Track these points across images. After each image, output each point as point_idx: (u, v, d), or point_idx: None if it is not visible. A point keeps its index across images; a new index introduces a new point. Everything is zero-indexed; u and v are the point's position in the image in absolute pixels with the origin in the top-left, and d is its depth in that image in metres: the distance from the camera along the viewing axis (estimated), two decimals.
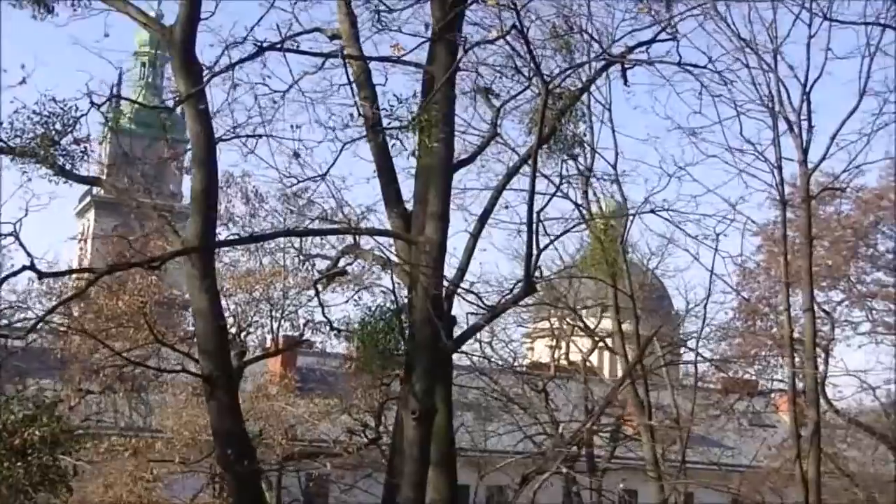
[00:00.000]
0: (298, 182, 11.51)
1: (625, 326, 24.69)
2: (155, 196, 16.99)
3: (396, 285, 11.60)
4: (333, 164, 10.90)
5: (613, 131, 19.23)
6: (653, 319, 33.50)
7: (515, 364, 26.33)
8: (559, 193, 18.20)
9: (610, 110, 19.05)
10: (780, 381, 25.18)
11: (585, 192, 19.10)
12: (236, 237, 14.98)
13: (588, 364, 27.22)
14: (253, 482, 10.18)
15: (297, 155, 10.86)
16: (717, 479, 27.51)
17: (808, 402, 17.47)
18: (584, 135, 18.87)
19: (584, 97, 18.76)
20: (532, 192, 10.33)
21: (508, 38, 11.93)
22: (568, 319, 28.03)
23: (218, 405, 10.21)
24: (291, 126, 11.02)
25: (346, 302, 15.78)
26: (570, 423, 26.64)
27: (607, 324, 26.83)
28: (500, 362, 25.53)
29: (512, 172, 12.07)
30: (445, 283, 11.19)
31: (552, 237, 13.37)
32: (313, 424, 19.44)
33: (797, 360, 19.91)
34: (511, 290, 10.71)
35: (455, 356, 24.49)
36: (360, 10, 12.35)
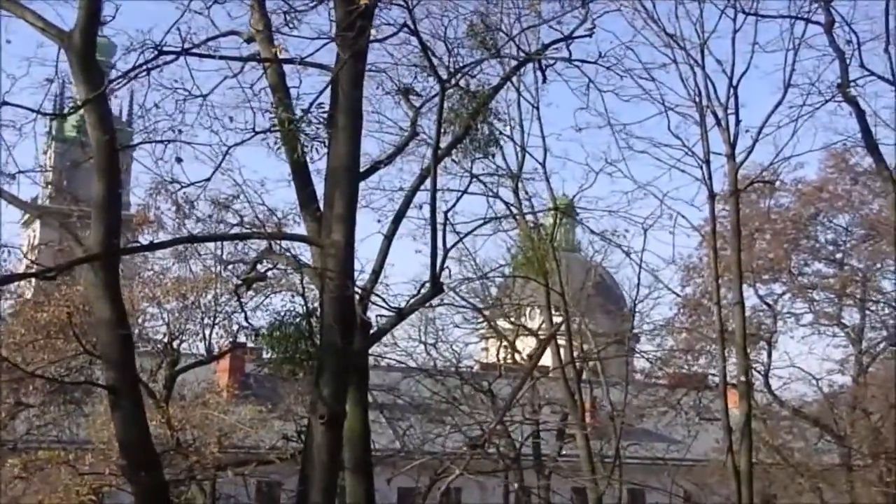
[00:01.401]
0: (182, 187, 11.36)
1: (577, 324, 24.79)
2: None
3: (309, 289, 11.52)
4: (217, 168, 10.75)
5: (542, 130, 19.26)
6: (601, 316, 33.76)
7: (461, 365, 26.24)
8: (490, 193, 18.31)
9: (538, 108, 19.05)
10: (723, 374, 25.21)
11: (516, 191, 19.13)
12: (138, 244, 14.79)
13: (533, 362, 27.18)
14: (159, 493, 10.04)
15: (179, 160, 10.72)
16: (673, 474, 27.61)
17: (740, 395, 17.54)
18: (512, 134, 18.96)
19: (514, 96, 18.90)
20: (434, 192, 10.31)
21: (424, 37, 11.92)
22: (512, 319, 28.04)
23: (122, 415, 10.06)
24: (216, 131, 10.89)
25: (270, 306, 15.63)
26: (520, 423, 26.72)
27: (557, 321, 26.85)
28: (445, 364, 25.48)
29: (425, 174, 12.02)
30: (359, 286, 11.14)
31: (461, 235, 13.33)
32: (246, 432, 19.25)
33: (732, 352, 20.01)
34: (419, 291, 10.64)
35: (403, 359, 24.60)
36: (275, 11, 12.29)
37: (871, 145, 12.28)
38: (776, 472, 30.40)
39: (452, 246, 11.50)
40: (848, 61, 12.13)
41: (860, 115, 12.14)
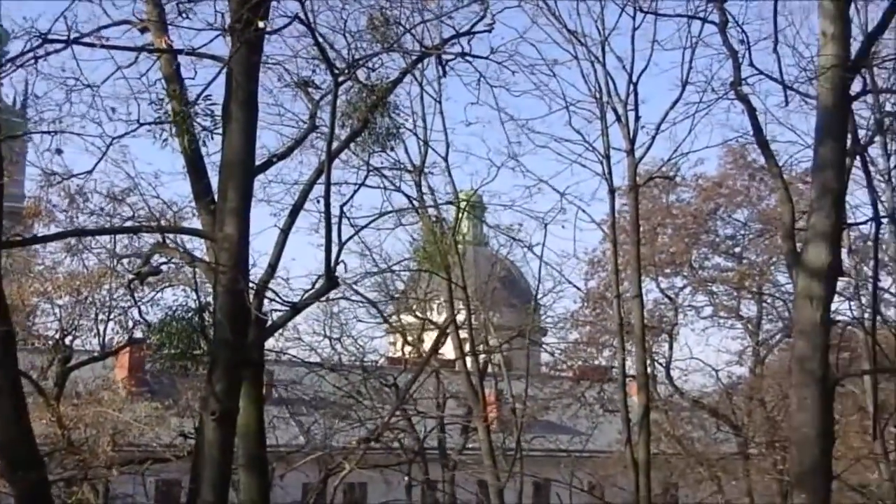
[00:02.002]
0: (63, 179, 11.12)
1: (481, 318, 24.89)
2: None
3: (204, 283, 11.37)
4: (101, 160, 10.56)
5: (444, 124, 19.30)
6: (507, 310, 33.94)
7: (366, 360, 26.15)
8: (392, 187, 18.29)
9: (440, 102, 19.07)
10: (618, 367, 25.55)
11: (419, 185, 19.15)
12: (21, 237, 14.40)
13: (440, 356, 27.20)
14: (39, 493, 9.80)
15: (59, 151, 10.50)
16: (572, 466, 27.92)
17: (639, 387, 17.81)
18: (415, 128, 18.95)
19: (416, 90, 18.88)
20: (328, 185, 10.25)
21: (323, 30, 11.84)
22: (417, 313, 28.05)
23: (2, 415, 9.78)
24: (99, 122, 10.66)
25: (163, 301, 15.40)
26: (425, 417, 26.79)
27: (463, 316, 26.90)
28: (350, 358, 25.40)
29: (322, 167, 11.93)
30: (255, 280, 11.03)
31: (357, 228, 13.29)
32: (142, 430, 18.92)
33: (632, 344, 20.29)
34: (313, 286, 10.57)
35: (305, 353, 24.42)
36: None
37: (762, 142, 12.53)
38: (677, 462, 30.97)
39: (348, 239, 11.46)
40: (741, 60, 12.33)
41: (751, 112, 12.36)
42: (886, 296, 26.16)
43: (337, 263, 10.31)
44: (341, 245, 10.40)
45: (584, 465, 28.94)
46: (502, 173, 19.41)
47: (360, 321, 24.43)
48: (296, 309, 10.77)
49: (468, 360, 20.78)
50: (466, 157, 21.63)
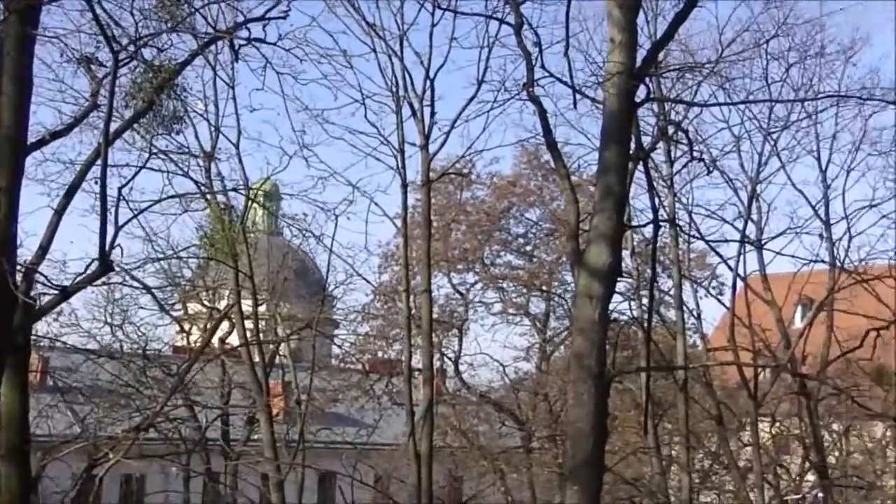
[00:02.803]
0: None
1: (261, 308, 24.48)
2: None
3: None
4: None
5: (236, 110, 18.86)
6: (300, 301, 33.61)
7: (149, 348, 25.30)
8: (180, 172, 17.72)
9: (233, 88, 18.63)
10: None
11: (208, 171, 18.68)
12: None
13: (227, 345, 26.64)
14: None
15: None
16: (359, 458, 27.88)
17: (425, 380, 17.94)
18: (206, 112, 18.46)
19: (209, 75, 18.38)
20: (104, 166, 9.80)
21: (110, 6, 11.30)
22: (205, 301, 27.42)
23: None
24: None
25: None
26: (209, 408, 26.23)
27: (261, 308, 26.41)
28: (132, 346, 24.51)
29: (100, 148, 11.40)
30: (24, 262, 10.45)
31: (136, 212, 12.81)
32: None
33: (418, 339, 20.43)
34: (86, 270, 10.10)
35: (84, 340, 23.38)
36: None
37: (551, 143, 12.76)
38: (461, 455, 31.46)
39: (126, 223, 10.96)
40: (534, 62, 12.51)
41: (542, 113, 12.57)
42: (665, 298, 27.36)
43: (112, 247, 9.86)
44: (118, 228, 9.96)
45: (370, 457, 29.00)
46: (295, 163, 19.12)
47: (142, 308, 23.59)
48: (66, 293, 10.28)
49: (253, 349, 20.43)
50: (258, 144, 21.21)
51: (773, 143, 22.60)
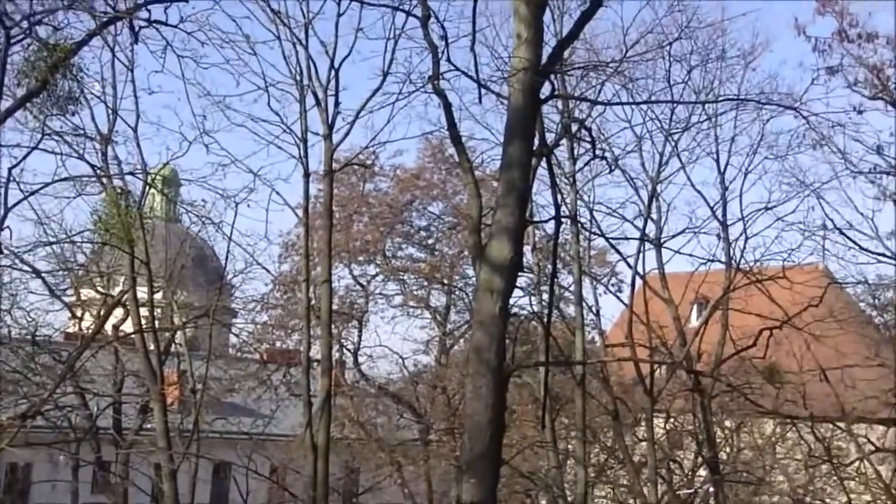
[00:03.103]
0: None
1: (158, 296, 24.04)
2: None
3: None
4: None
5: (135, 92, 18.41)
6: (197, 289, 33.14)
7: (37, 333, 24.61)
8: (75, 154, 17.27)
9: (132, 70, 18.18)
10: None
11: (105, 154, 18.22)
12: None
13: (121, 333, 26.08)
14: None
15: None
16: (255, 449, 27.59)
17: (323, 371, 17.79)
18: (104, 94, 18.02)
19: (107, 56, 17.90)
20: None
21: None
22: (99, 287, 26.78)
23: None
24: None
25: None
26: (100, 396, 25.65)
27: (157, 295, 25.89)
28: (21, 332, 23.83)
29: None
30: None
31: (26, 193, 12.43)
32: None
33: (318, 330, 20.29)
34: None
35: None
36: None
37: (455, 137, 12.71)
38: (359, 447, 31.39)
39: (15, 204, 10.66)
40: (440, 55, 12.46)
41: (447, 107, 12.52)
42: (565, 293, 27.63)
43: (1, 229, 9.57)
44: (7, 210, 9.67)
45: (266, 448, 28.72)
46: (196, 149, 18.76)
47: (32, 293, 22.91)
48: None
49: (147, 337, 20.02)
50: (158, 128, 20.84)
51: (673, 143, 22.94)
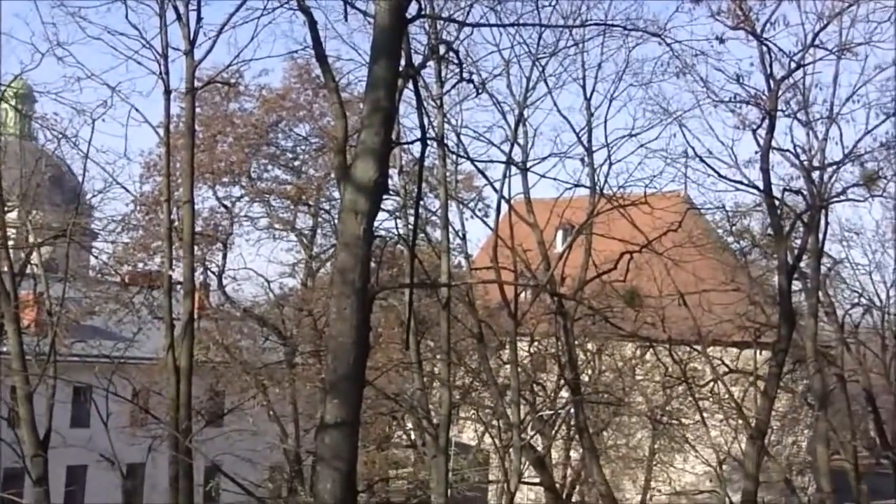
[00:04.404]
0: None
1: (12, 215, 23.15)
2: None
3: None
4: None
5: None
6: (54, 209, 32.07)
7: None
8: None
9: None
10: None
11: None
12: None
13: None
14: None
15: None
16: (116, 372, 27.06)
17: (185, 294, 17.43)
18: None
19: None
20: None
21: None
22: None
23: None
24: None
25: None
26: None
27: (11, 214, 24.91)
28: None
29: None
30: None
31: None
32: None
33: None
34: None
35: None
36: None
37: (320, 55, 12.42)
38: (224, 370, 31.15)
39: None
40: None
41: (312, 25, 12.20)
42: (432, 218, 27.66)
43: None
44: None
45: (127, 372, 28.21)
46: (51, 63, 17.94)
47: None
48: None
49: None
50: (8, 39, 19.82)
51: (541, 68, 22.98)
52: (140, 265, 31.31)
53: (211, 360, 30.02)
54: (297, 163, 32.60)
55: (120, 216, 30.11)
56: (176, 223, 20.38)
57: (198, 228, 25.22)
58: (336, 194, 30.38)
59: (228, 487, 18.11)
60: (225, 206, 31.56)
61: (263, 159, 32.06)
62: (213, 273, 31.77)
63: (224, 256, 31.64)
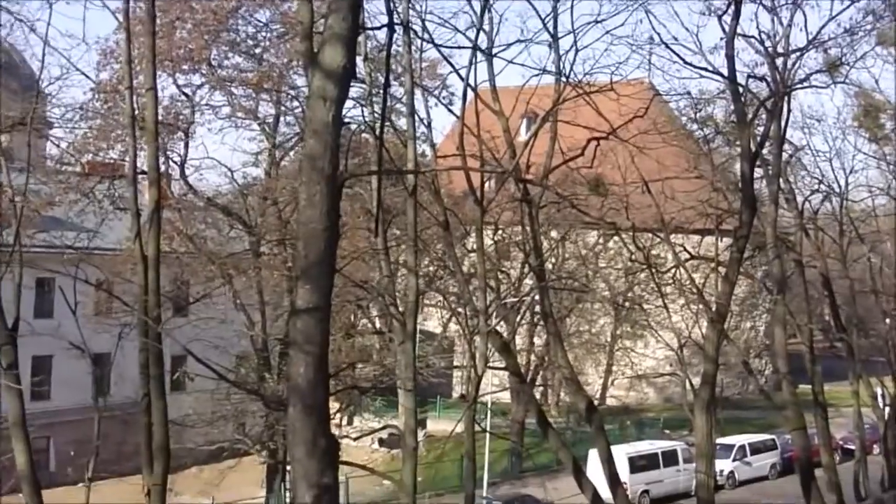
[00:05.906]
0: None
1: None
2: None
3: None
4: None
5: None
6: (9, 96, 31.44)
7: None
8: None
9: None
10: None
11: None
12: None
13: None
14: None
15: None
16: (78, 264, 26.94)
17: (150, 182, 17.24)
18: None
19: None
20: None
21: None
22: None
23: None
24: None
25: None
26: None
27: None
28: None
29: None
30: None
31: None
32: None
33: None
34: None
35: None
36: None
37: None
38: (189, 260, 31.11)
39: None
40: None
41: None
42: (397, 105, 27.43)
43: None
44: None
45: (92, 261, 28.13)
46: None
47: None
48: None
49: None
50: None
51: None
52: (100, 155, 30.89)
53: (175, 250, 29.94)
54: (258, 50, 32.03)
55: (78, 104, 29.60)
56: (137, 112, 20.05)
57: (159, 118, 24.87)
58: (299, 81, 30.04)
59: (199, 372, 18.19)
60: (186, 95, 31.11)
61: (224, 46, 31.45)
62: (175, 163, 31.47)
63: (186, 146, 31.34)
